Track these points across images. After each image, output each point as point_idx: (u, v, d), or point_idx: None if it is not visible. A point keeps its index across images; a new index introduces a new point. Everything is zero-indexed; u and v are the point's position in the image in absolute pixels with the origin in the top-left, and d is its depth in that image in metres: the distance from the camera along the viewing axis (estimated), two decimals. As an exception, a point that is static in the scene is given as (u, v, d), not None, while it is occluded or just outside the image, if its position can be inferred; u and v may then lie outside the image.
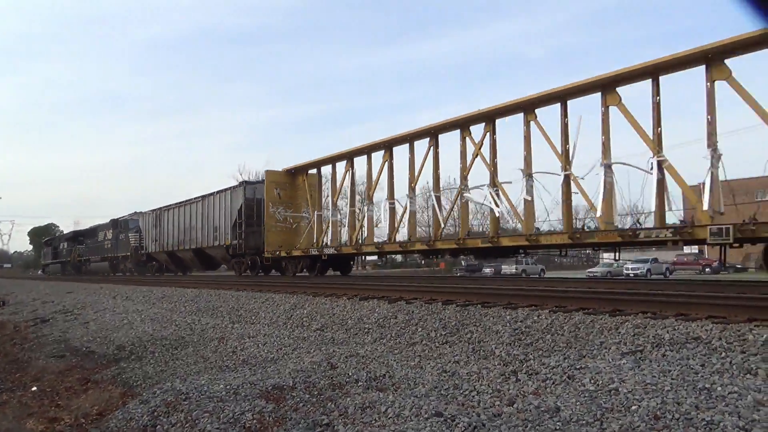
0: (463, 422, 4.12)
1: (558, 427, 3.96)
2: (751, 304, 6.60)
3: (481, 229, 17.62)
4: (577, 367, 5.36)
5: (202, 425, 4.89)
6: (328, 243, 20.99)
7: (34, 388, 8.17)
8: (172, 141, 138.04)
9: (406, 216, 18.23)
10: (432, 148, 17.72)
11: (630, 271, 36.39)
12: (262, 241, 22.89)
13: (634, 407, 4.15)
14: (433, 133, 17.65)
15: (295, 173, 23.56)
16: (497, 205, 15.04)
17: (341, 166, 21.39)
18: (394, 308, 9.42)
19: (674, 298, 7.57)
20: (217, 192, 25.89)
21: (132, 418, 5.46)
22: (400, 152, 19.01)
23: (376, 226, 21.30)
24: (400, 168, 18.88)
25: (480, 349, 6.79)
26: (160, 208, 32.54)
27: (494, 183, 15.47)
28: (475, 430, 4.00)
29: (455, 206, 18.21)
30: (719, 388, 4.27)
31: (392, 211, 18.83)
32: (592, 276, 33.53)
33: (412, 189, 17.96)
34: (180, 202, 30.15)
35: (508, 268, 39.83)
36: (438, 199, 17.71)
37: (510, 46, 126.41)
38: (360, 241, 19.94)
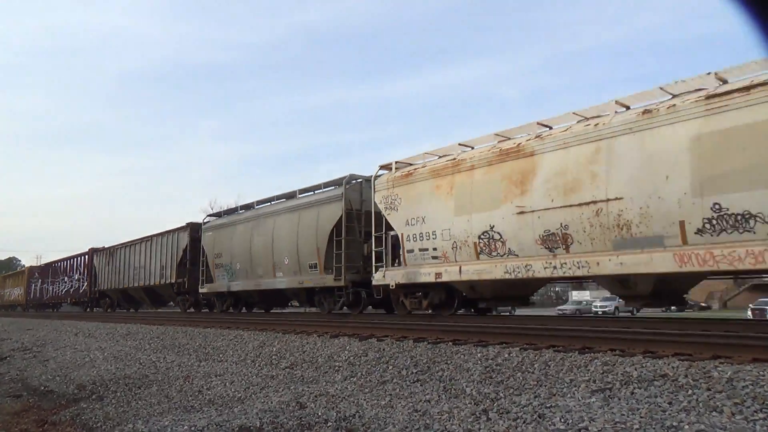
0: (433, 463, 4.06)
1: (529, 467, 3.93)
2: (715, 342, 6.73)
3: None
4: (548, 405, 5.36)
5: (164, 469, 4.72)
6: None
7: (-13, 431, 7.80)
8: (142, 175, 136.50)
9: None
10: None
11: (598, 309, 36.86)
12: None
13: (603, 446, 4.15)
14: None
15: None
16: None
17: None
18: (365, 345, 9.33)
19: (641, 336, 7.67)
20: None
21: (90, 461, 5.25)
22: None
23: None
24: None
25: (451, 388, 6.74)
26: None
27: None
28: (445, 471, 3.94)
29: None
30: (686, 426, 4.31)
31: None
32: (561, 313, 33.87)
33: None
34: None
35: (479, 305, 39.82)
36: None
37: (484, 86, 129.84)
38: None
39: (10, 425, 7.99)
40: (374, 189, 14.86)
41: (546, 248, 10.53)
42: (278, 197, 19.51)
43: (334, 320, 14.52)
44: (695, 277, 9.88)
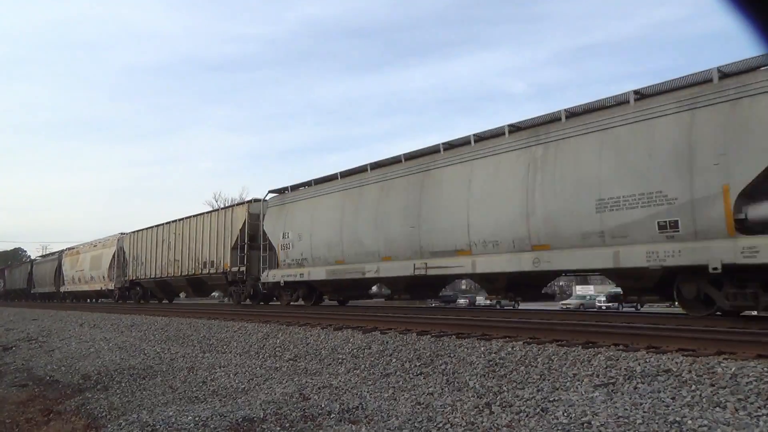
0: (436, 455, 4.07)
1: (531, 461, 3.94)
2: (719, 338, 6.71)
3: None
4: (551, 399, 5.36)
5: (168, 459, 4.75)
6: None
7: (-7, 420, 7.85)
8: (148, 167, 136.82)
9: None
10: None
11: (602, 304, 36.79)
12: None
13: (606, 440, 4.15)
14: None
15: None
16: None
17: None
18: (369, 338, 9.34)
19: (645, 331, 7.65)
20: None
21: (95, 451, 5.28)
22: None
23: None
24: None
25: (454, 381, 6.75)
26: None
27: None
28: (448, 464, 3.95)
29: None
30: (689, 422, 4.31)
31: None
32: (565, 308, 33.87)
33: None
34: None
35: (482, 299, 39.85)
36: None
37: (492, 79, 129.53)
38: None
39: (15, 414, 8.05)
40: None
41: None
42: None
43: (338, 313, 14.54)
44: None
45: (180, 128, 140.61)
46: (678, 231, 9.08)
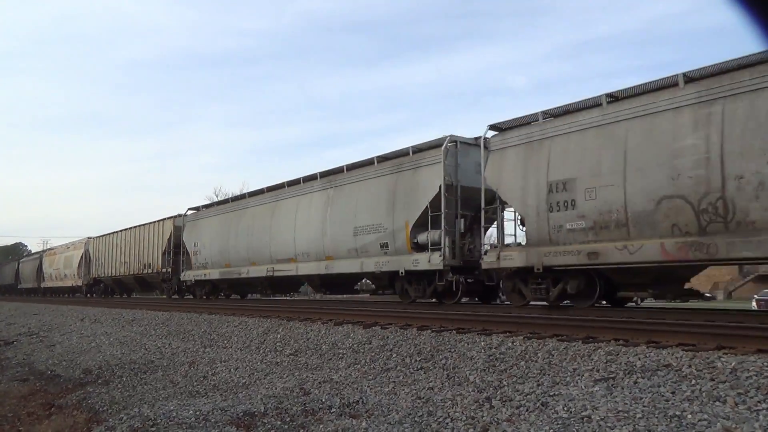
0: (436, 449, 4.08)
1: (531, 455, 3.95)
2: (719, 332, 6.71)
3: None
4: (551, 393, 5.37)
5: (169, 452, 4.76)
6: None
7: (-5, 414, 7.87)
8: (148, 161, 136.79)
9: None
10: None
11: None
12: None
13: (606, 434, 4.16)
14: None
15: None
16: None
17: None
18: (369, 333, 9.36)
19: (645, 326, 7.66)
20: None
21: (97, 445, 5.30)
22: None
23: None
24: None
25: (454, 375, 6.77)
26: None
27: None
28: (448, 458, 3.96)
29: None
30: (689, 416, 4.32)
31: None
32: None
33: None
34: None
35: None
36: None
37: (492, 74, 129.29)
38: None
39: (17, 408, 8.08)
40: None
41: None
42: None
43: (339, 308, 14.57)
44: None
45: (181, 123, 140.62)
46: (388, 249, 14.31)
